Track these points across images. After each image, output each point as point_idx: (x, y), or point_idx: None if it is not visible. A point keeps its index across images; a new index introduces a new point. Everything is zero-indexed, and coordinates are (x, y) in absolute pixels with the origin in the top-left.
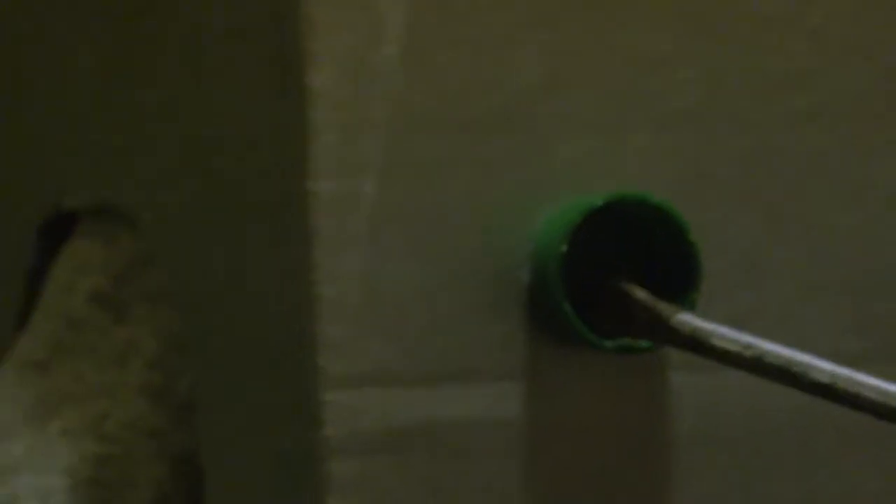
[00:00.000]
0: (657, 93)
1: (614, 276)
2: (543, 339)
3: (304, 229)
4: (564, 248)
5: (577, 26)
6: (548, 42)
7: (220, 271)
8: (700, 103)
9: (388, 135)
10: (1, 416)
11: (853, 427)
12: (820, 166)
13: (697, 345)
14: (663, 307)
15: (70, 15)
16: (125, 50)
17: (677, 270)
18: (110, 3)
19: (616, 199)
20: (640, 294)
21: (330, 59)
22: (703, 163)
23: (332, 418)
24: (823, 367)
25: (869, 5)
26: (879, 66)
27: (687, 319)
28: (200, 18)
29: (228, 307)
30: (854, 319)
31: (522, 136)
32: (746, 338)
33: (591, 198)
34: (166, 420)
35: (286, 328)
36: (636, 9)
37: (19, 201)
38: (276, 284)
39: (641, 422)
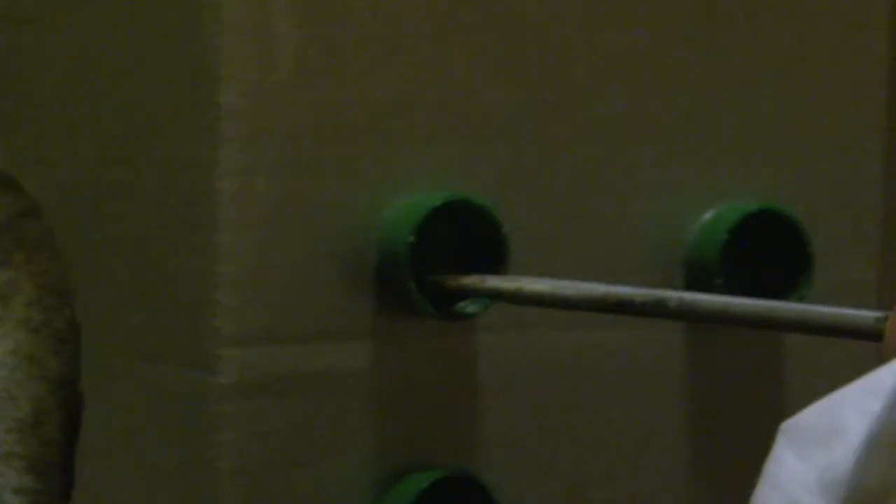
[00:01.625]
0: (477, 112)
1: (449, 260)
2: (388, 307)
3: (210, 217)
4: (412, 238)
5: (423, 57)
6: (399, 70)
7: (131, 248)
8: (510, 121)
9: (278, 143)
10: None
11: (626, 362)
12: (601, 171)
13: (517, 296)
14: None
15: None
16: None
17: (496, 255)
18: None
19: (450, 200)
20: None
21: (234, 83)
22: (513, 170)
23: (225, 369)
24: (606, 288)
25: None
26: (649, 85)
27: (504, 281)
28: (131, 38)
29: (130, 278)
30: (617, 256)
31: (378, 144)
32: (552, 281)
33: (432, 198)
34: (45, 349)
35: (189, 295)
36: (466, 43)
37: None
38: (183, 261)
39: (461, 371)
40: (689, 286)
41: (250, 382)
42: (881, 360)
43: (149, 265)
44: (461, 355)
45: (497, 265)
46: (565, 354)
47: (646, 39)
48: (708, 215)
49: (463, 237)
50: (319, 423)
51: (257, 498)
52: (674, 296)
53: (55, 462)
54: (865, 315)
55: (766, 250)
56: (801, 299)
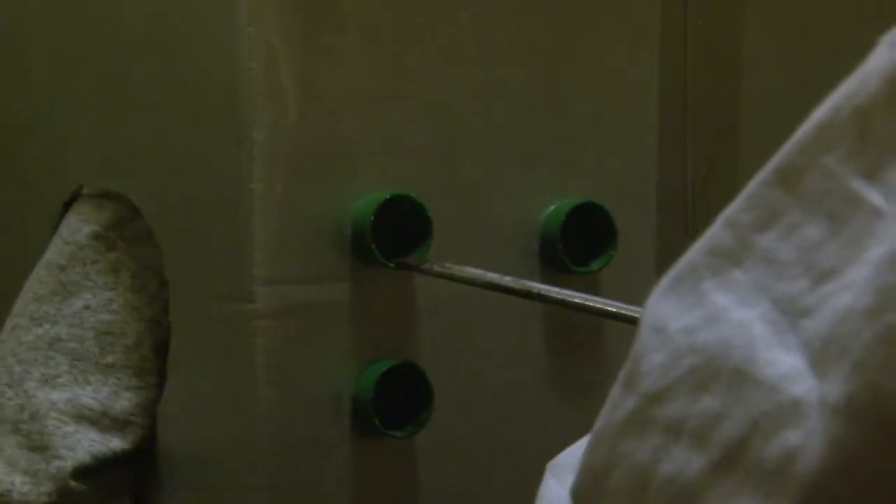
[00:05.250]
0: (409, 140)
1: (395, 233)
2: (359, 261)
3: (248, 208)
4: (372, 219)
5: (373, 113)
6: (361, 117)
7: (198, 232)
8: (428, 146)
9: (289, 161)
10: (32, 292)
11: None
12: (484, 179)
13: (448, 276)
14: (420, 256)
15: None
16: (116, 93)
17: (425, 231)
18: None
19: (395, 195)
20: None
21: (261, 125)
22: (433, 177)
23: (259, 300)
24: (535, 285)
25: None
26: (512, 115)
27: (436, 263)
28: (198, 97)
29: (194, 251)
30: (499, 257)
31: (350, 162)
32: (476, 270)
33: (383, 195)
34: (141, 302)
35: (235, 256)
36: (399, 104)
37: (56, 188)
38: (230, 236)
39: (405, 300)
40: (541, 255)
41: (276, 309)
42: None
43: (209, 240)
44: (405, 290)
45: (425, 237)
46: (469, 291)
47: (510, 77)
48: (551, 207)
49: (403, 218)
50: (319, 334)
51: (282, 382)
52: (535, 286)
53: (150, 369)
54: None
55: (588, 229)
56: (609, 259)
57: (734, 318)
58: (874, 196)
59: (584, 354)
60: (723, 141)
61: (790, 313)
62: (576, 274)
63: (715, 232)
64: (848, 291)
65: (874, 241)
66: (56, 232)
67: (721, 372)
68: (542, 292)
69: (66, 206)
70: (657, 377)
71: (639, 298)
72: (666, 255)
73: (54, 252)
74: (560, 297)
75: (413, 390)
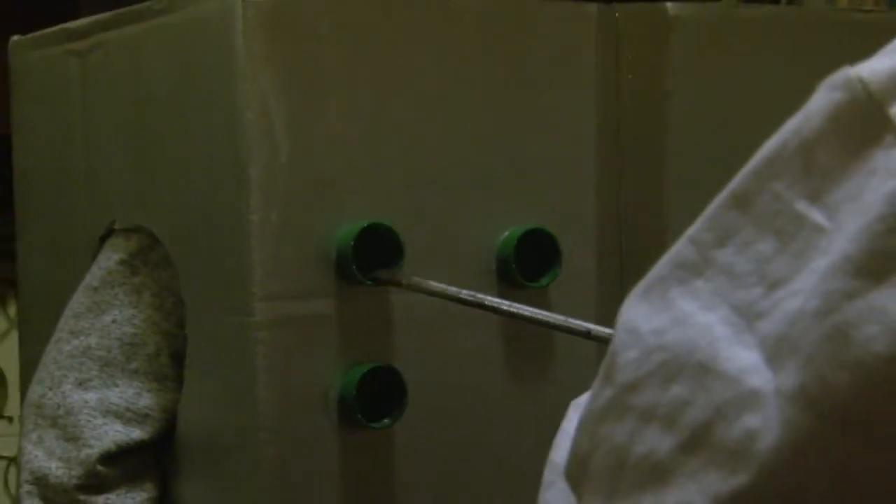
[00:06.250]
0: (383, 180)
1: (373, 254)
2: (342, 279)
3: (246, 233)
4: (352, 244)
5: (351, 156)
6: (342, 159)
7: (206, 255)
8: (400, 183)
9: (281, 194)
10: (71, 310)
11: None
12: (450, 209)
13: (419, 288)
14: (394, 274)
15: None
16: (140, 144)
17: (397, 253)
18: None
19: (371, 223)
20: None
21: (257, 163)
22: (404, 209)
23: (258, 314)
24: (487, 298)
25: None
26: (473, 154)
27: (409, 278)
28: (205, 142)
29: (204, 273)
30: (463, 275)
31: (334, 195)
32: (442, 286)
33: (362, 223)
34: (160, 317)
35: (237, 277)
36: (372, 151)
37: (93, 225)
38: (232, 261)
39: (382, 312)
40: (498, 273)
41: (272, 321)
42: None
43: (216, 264)
44: (382, 304)
45: (398, 259)
46: (437, 305)
47: (469, 123)
48: (505, 232)
49: (380, 242)
50: (309, 341)
51: (278, 383)
52: (487, 299)
53: (168, 374)
54: (582, 324)
55: (537, 251)
56: (555, 276)
57: (698, 321)
58: (817, 215)
59: (534, 357)
60: (650, 175)
61: (747, 316)
62: (527, 289)
63: (679, 248)
64: (797, 297)
65: (818, 254)
66: (94, 261)
67: (687, 366)
68: (494, 305)
69: (102, 240)
70: (631, 371)
71: (581, 308)
72: (603, 272)
73: (90, 277)
74: (509, 309)
75: (390, 388)
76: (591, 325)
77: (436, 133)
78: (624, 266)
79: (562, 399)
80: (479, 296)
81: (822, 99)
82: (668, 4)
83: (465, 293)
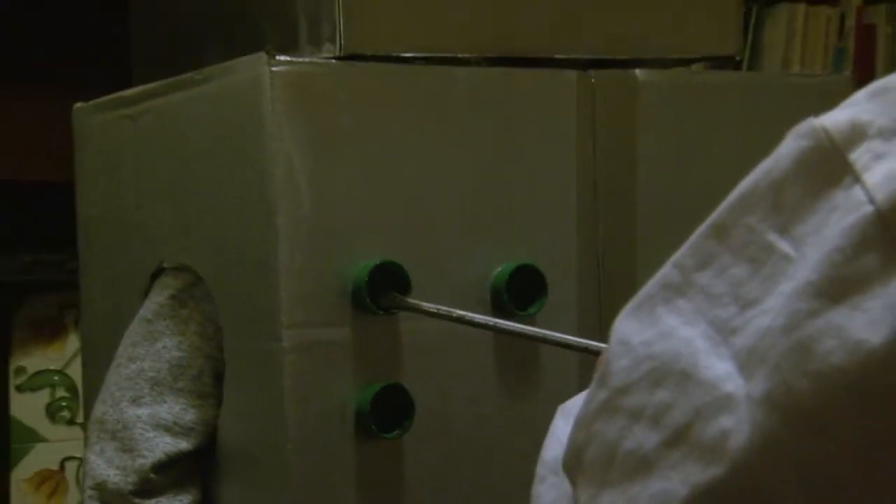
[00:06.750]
0: (390, 226)
1: (384, 287)
2: (358, 309)
3: (275, 273)
4: (366, 279)
5: (364, 208)
6: (356, 209)
7: (241, 292)
8: (406, 227)
9: (304, 238)
10: (129, 339)
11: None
12: (450, 247)
13: (425, 312)
14: (403, 299)
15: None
16: (183, 194)
17: (405, 285)
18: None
19: (382, 262)
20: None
21: (283, 213)
22: (410, 249)
23: (285, 339)
24: (478, 316)
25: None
26: (468, 200)
27: (415, 302)
28: (238, 193)
29: (239, 305)
30: (462, 305)
31: (350, 239)
32: (445, 308)
33: (374, 261)
34: (203, 343)
35: (268, 310)
36: (384, 204)
37: (145, 264)
38: (262, 295)
39: (392, 338)
40: (492, 303)
41: (298, 346)
42: None
43: (249, 298)
44: (392, 331)
45: (406, 293)
46: (440, 331)
47: (467, 174)
48: (499, 268)
49: (389, 278)
50: (329, 364)
51: (303, 400)
52: (479, 318)
53: (209, 392)
54: (580, 341)
55: (526, 283)
56: (542, 305)
57: (681, 335)
58: (785, 246)
59: (523, 373)
60: (623, 218)
61: (723, 331)
62: (517, 316)
63: (665, 271)
64: (766, 315)
65: (785, 279)
66: (147, 296)
67: (671, 373)
68: (499, 325)
69: (153, 278)
70: (623, 376)
71: (564, 333)
72: (583, 302)
73: (144, 310)
74: (508, 328)
75: (399, 403)
76: (589, 342)
77: (437, 183)
78: (601, 296)
79: (548, 408)
80: (487, 317)
81: (790, 145)
82: (637, 71)
83: (478, 317)
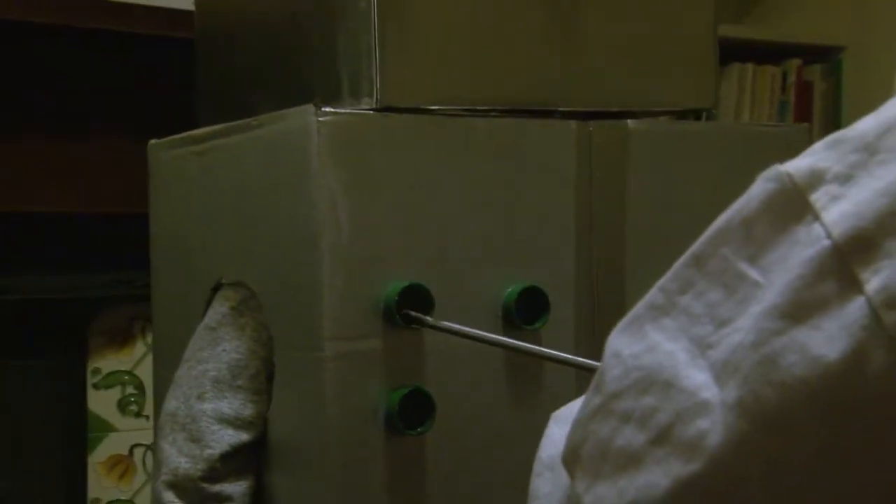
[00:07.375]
0: (415, 255)
1: (410, 306)
2: (389, 325)
3: (318, 293)
4: (397, 298)
5: (397, 237)
6: (388, 236)
7: (283, 308)
8: (427, 254)
9: (344, 264)
10: (196, 344)
11: (489, 356)
12: (462, 272)
13: (445, 330)
14: (427, 318)
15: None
16: (241, 222)
17: (429, 305)
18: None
19: (410, 283)
20: (418, 315)
21: (325, 240)
22: (433, 274)
23: (327, 349)
24: (490, 335)
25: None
26: (473, 231)
27: (437, 322)
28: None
29: (288, 318)
30: (477, 321)
31: (383, 264)
32: (463, 327)
33: (403, 283)
34: (258, 346)
35: (311, 324)
36: (409, 237)
37: (207, 280)
38: (308, 312)
39: (417, 348)
40: (503, 319)
41: (337, 355)
42: None
43: (297, 312)
44: (417, 343)
45: (429, 310)
46: (457, 345)
47: (482, 210)
48: (509, 289)
49: (416, 297)
50: (364, 371)
51: (341, 401)
52: (491, 336)
53: (263, 390)
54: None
55: (532, 302)
56: (545, 321)
57: (665, 349)
58: (754, 273)
59: (527, 385)
60: (615, 248)
61: (701, 346)
62: (524, 330)
63: (652, 294)
64: (738, 333)
65: (754, 302)
66: (209, 306)
67: (656, 382)
68: (510, 345)
69: (214, 291)
70: (615, 384)
71: (564, 345)
72: (580, 319)
73: (208, 319)
74: (515, 346)
75: (423, 405)
76: (585, 360)
77: (457, 217)
78: (596, 314)
79: (547, 414)
80: (501, 337)
81: (759, 187)
82: (628, 121)
83: (489, 336)
